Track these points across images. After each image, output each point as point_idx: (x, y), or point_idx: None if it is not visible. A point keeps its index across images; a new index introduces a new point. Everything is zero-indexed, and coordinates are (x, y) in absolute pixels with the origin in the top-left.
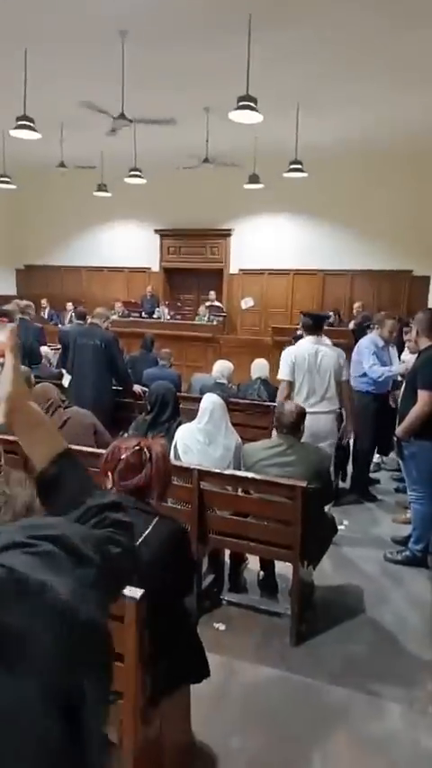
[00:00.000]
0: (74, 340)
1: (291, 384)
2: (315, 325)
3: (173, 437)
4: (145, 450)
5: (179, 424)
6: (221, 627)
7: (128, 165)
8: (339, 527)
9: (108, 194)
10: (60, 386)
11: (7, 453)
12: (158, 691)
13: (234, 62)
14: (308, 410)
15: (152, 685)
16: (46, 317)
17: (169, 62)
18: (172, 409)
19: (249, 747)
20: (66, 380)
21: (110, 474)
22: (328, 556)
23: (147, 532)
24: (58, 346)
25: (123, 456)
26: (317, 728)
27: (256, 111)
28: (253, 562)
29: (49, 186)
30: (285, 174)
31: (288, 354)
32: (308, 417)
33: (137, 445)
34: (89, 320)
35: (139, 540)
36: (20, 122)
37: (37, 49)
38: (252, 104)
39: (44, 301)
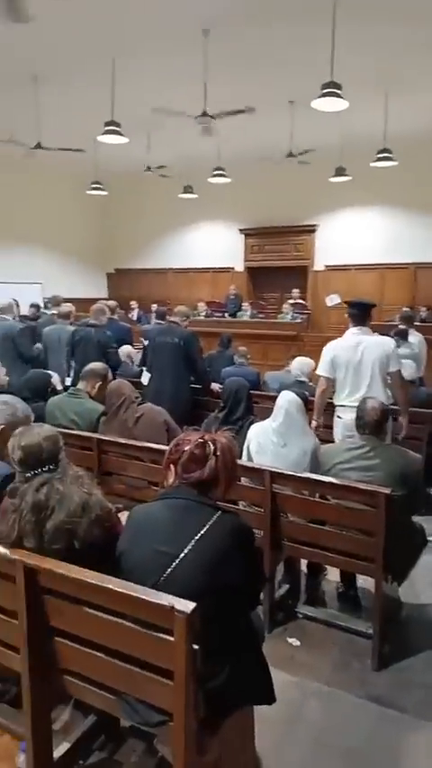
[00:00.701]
0: (153, 338)
1: (329, 381)
2: (361, 314)
3: (245, 436)
4: (209, 443)
5: (251, 422)
6: (295, 642)
7: (212, 166)
8: (430, 538)
9: (193, 196)
10: (139, 384)
11: (82, 450)
12: (215, 714)
13: (318, 51)
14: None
15: (207, 707)
16: (135, 318)
17: (252, 57)
18: (245, 407)
19: None
20: (145, 378)
21: (173, 467)
22: (417, 570)
23: (209, 525)
24: (142, 345)
25: (187, 448)
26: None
27: (341, 97)
28: (333, 573)
29: (137, 191)
30: (373, 164)
31: (328, 349)
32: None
33: (201, 438)
34: (169, 319)
35: (202, 532)
36: (108, 127)
37: (123, 58)
38: (337, 91)
39: (134, 303)
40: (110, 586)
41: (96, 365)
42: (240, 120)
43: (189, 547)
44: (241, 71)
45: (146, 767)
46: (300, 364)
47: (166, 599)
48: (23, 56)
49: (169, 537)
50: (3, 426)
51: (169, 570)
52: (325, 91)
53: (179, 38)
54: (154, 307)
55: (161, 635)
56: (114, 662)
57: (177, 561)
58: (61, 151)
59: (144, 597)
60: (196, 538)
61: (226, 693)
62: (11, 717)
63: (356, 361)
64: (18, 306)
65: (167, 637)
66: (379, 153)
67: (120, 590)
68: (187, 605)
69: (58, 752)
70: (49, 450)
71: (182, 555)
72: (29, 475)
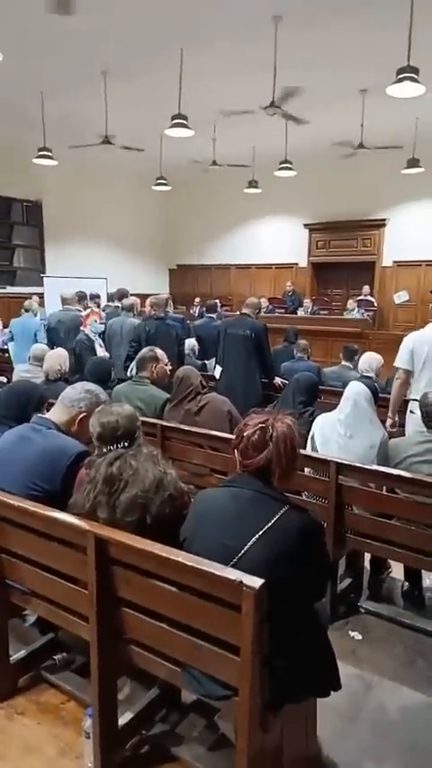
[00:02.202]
0: (224, 330)
1: (408, 373)
2: None
3: (308, 427)
4: (269, 427)
5: (312, 414)
6: (357, 636)
7: (278, 159)
8: None
9: (258, 190)
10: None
11: (146, 435)
12: (279, 695)
13: (393, 37)
14: None
15: (272, 687)
16: (196, 314)
17: (324, 44)
18: (307, 399)
19: None
20: (217, 372)
21: (236, 452)
22: None
23: (275, 520)
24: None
25: (246, 434)
26: None
27: (418, 82)
28: (397, 570)
29: (201, 186)
30: None
31: (408, 340)
32: None
33: (262, 422)
34: (241, 311)
35: (266, 528)
36: (175, 121)
37: (192, 49)
38: (414, 75)
39: (197, 300)
40: (180, 560)
41: (143, 351)
42: (309, 111)
43: (252, 542)
44: (312, 59)
45: (206, 741)
46: (369, 359)
47: (234, 574)
48: (93, 50)
49: (232, 530)
50: (84, 414)
51: (231, 563)
52: (401, 76)
53: (249, 26)
54: (196, 300)
55: (229, 610)
56: (181, 634)
57: (239, 555)
58: (129, 145)
59: (213, 571)
60: (259, 534)
61: (292, 677)
62: (77, 685)
63: (425, 356)
64: (86, 299)
65: (235, 612)
66: None
67: (190, 563)
68: (255, 581)
69: (122, 720)
70: (125, 428)
71: (244, 549)
72: (105, 450)
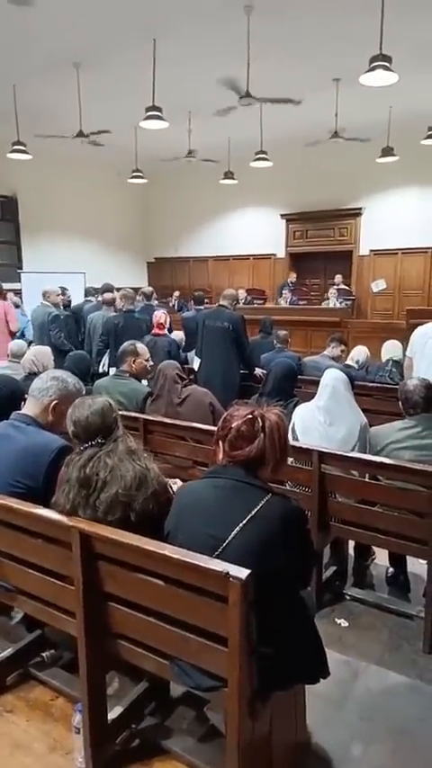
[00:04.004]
0: (202, 322)
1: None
2: None
3: (290, 416)
4: (258, 418)
5: (296, 404)
6: (344, 623)
7: (254, 150)
8: None
9: (234, 181)
10: (190, 370)
11: (128, 429)
12: (268, 683)
13: (365, 26)
14: None
15: (260, 676)
16: (175, 306)
17: (296, 33)
18: (289, 389)
19: (371, 759)
20: (195, 363)
21: (221, 443)
22: None
23: (258, 508)
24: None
25: (235, 424)
26: None
27: (391, 70)
28: (381, 558)
29: (177, 179)
30: (424, 142)
31: (414, 332)
32: None
33: (250, 414)
34: (218, 303)
35: (249, 516)
36: (149, 113)
37: (164, 40)
38: (386, 64)
39: (176, 293)
40: (165, 553)
41: (124, 345)
42: (286, 97)
43: (236, 531)
44: (285, 49)
45: (196, 734)
46: (357, 352)
47: (220, 565)
48: (65, 42)
49: (216, 520)
50: (56, 401)
51: (216, 554)
52: (374, 64)
53: (221, 15)
54: (176, 294)
55: (215, 602)
56: (168, 627)
57: (224, 545)
58: (101, 138)
59: (199, 563)
60: (243, 522)
61: (279, 666)
62: (66, 681)
63: (424, 344)
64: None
65: (222, 603)
66: (430, 130)
67: (175, 556)
68: (242, 572)
69: (111, 714)
70: (97, 424)
71: (229, 538)
72: (81, 448)
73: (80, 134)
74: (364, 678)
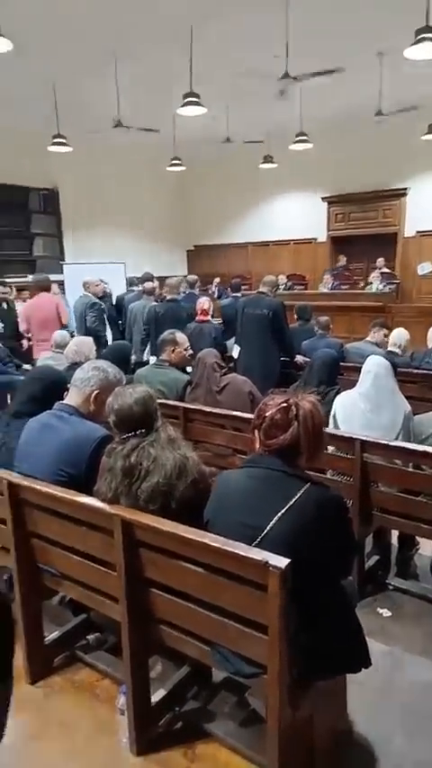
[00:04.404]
0: (242, 309)
1: None
2: None
3: (329, 404)
4: (293, 407)
5: (337, 392)
6: (386, 613)
7: (293, 132)
8: None
9: (274, 165)
10: (229, 358)
11: (168, 418)
12: (308, 671)
13: None
14: None
15: (300, 664)
16: (215, 294)
17: (336, 7)
18: (328, 377)
19: (415, 752)
20: (235, 352)
21: (256, 432)
22: None
23: (296, 498)
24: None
25: (269, 413)
26: None
27: None
28: (425, 546)
29: (216, 165)
30: None
31: None
32: None
33: (284, 402)
34: (258, 290)
35: (287, 506)
36: (187, 99)
37: (201, 24)
38: None
39: (216, 280)
40: (205, 541)
41: (164, 335)
42: (324, 79)
43: (273, 521)
44: (326, 23)
45: (238, 718)
46: (397, 335)
47: (260, 554)
48: (101, 32)
49: (253, 510)
50: (97, 391)
51: (254, 544)
52: (420, 37)
53: None
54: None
55: (255, 590)
56: (208, 614)
57: (262, 535)
58: (140, 130)
59: (239, 552)
60: (281, 512)
61: (321, 654)
62: (111, 664)
63: None
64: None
65: (261, 592)
66: None
67: (215, 545)
68: (281, 561)
69: (155, 697)
70: (140, 414)
71: (267, 529)
72: (123, 437)
73: (119, 124)
74: (408, 669)
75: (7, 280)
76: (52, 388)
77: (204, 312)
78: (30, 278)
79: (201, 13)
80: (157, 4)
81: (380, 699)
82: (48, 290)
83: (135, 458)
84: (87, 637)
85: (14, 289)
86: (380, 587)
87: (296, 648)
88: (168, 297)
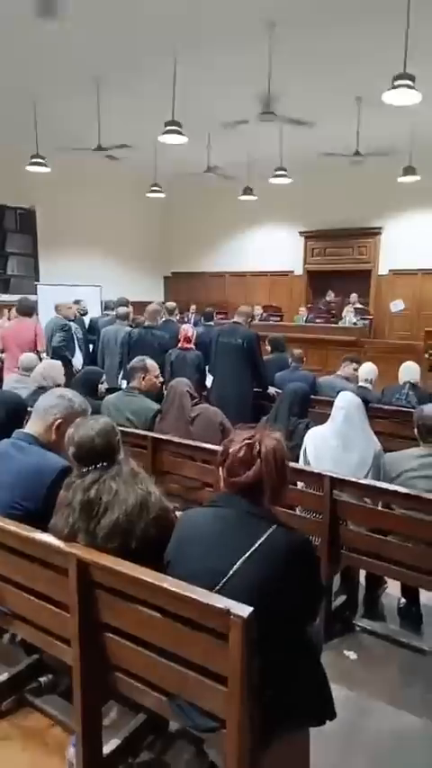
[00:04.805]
0: (216, 339)
1: None
2: None
3: (299, 438)
4: (256, 443)
5: (307, 425)
6: (353, 656)
7: (273, 166)
8: None
9: (254, 198)
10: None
11: (137, 447)
12: (270, 726)
13: (389, 45)
14: None
15: (262, 718)
16: (191, 321)
17: (319, 51)
18: (299, 410)
19: None
20: (208, 381)
21: (221, 470)
22: None
23: (261, 541)
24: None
25: (232, 450)
26: None
27: (414, 89)
28: (393, 587)
29: (196, 194)
30: None
31: None
32: None
33: (249, 438)
34: (232, 320)
35: (252, 550)
36: (168, 127)
37: (185, 56)
38: (410, 83)
39: (193, 307)
40: (164, 585)
41: (134, 361)
42: (304, 117)
43: (237, 566)
44: (307, 66)
45: None
46: (366, 370)
47: (221, 602)
48: (85, 58)
49: (216, 553)
50: (60, 420)
51: (216, 589)
52: (397, 83)
53: (243, 32)
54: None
55: (216, 639)
56: (166, 663)
57: (224, 580)
58: (120, 153)
59: (199, 598)
60: (245, 556)
61: (283, 707)
62: (63, 710)
63: None
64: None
65: (222, 641)
66: None
67: (175, 589)
68: (244, 609)
69: (107, 747)
70: (102, 446)
71: (230, 573)
72: (84, 470)
73: (99, 148)
74: (374, 718)
75: None
76: (13, 414)
77: (188, 339)
78: (1, 297)
79: (185, 45)
80: (142, 32)
81: (345, 750)
82: (30, 315)
83: (94, 492)
84: (39, 679)
85: None
86: (347, 628)
87: (257, 701)
88: (147, 323)
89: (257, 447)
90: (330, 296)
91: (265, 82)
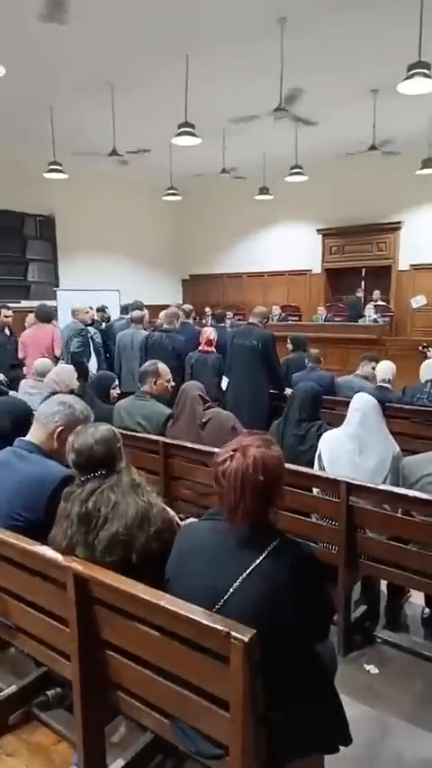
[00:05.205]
0: (231, 340)
1: None
2: None
3: (312, 444)
4: (227, 460)
5: (319, 428)
6: (374, 670)
7: (289, 164)
8: None
9: (270, 197)
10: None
11: (149, 453)
12: (278, 754)
13: (403, 35)
14: None
15: (269, 746)
16: (208, 324)
17: (332, 44)
18: (310, 411)
19: None
20: (224, 383)
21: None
22: None
23: (262, 557)
24: None
25: (215, 461)
26: None
27: (430, 77)
28: (417, 595)
29: (212, 195)
30: None
31: None
32: None
33: (231, 450)
34: (248, 321)
35: (252, 566)
36: (181, 129)
37: (197, 55)
38: (426, 71)
39: (207, 309)
40: (162, 603)
41: (145, 365)
42: (319, 114)
43: (237, 583)
44: (320, 60)
45: None
46: (384, 369)
47: (222, 623)
48: (97, 61)
49: (216, 569)
50: (62, 427)
51: (216, 608)
52: (412, 72)
53: (254, 29)
54: (228, 314)
55: (216, 661)
56: (167, 684)
57: (225, 598)
58: (135, 157)
59: (197, 619)
60: (245, 573)
61: (292, 733)
62: (68, 724)
63: None
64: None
65: (223, 664)
66: None
67: (173, 609)
68: (246, 632)
69: None
70: (101, 454)
71: (230, 591)
72: (83, 479)
73: (114, 152)
74: (395, 738)
75: (9, 305)
76: (18, 422)
77: (209, 342)
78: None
79: (197, 44)
80: (153, 34)
81: None
82: (48, 321)
83: (92, 504)
84: (47, 692)
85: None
86: (367, 640)
87: (264, 727)
88: (164, 326)
89: (225, 465)
90: (360, 293)
91: (277, 79)
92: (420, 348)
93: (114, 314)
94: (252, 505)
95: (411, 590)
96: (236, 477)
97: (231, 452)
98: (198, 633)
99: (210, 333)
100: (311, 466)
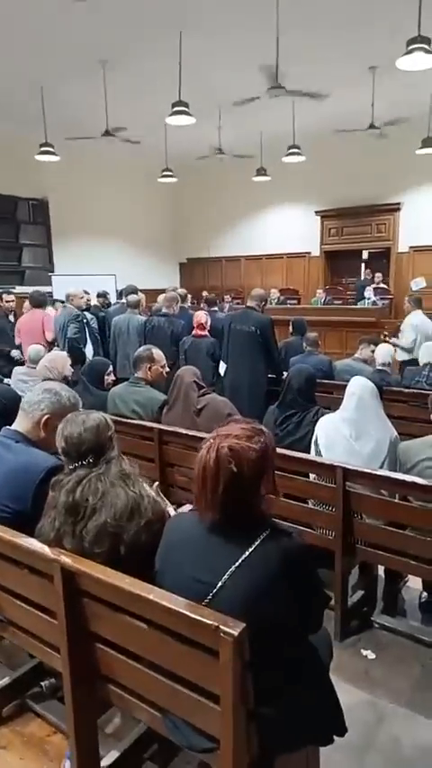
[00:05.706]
0: (228, 325)
1: None
2: None
3: (308, 429)
4: (209, 444)
5: (316, 413)
6: (371, 655)
7: (286, 144)
8: None
9: (267, 178)
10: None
11: (143, 440)
12: (271, 747)
13: (402, 11)
14: None
15: (261, 739)
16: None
17: (329, 20)
18: (305, 395)
19: None
20: (221, 369)
21: None
22: None
23: (252, 549)
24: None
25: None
26: None
27: (430, 53)
28: (414, 580)
29: (208, 177)
30: None
31: None
32: None
33: (212, 438)
34: (246, 304)
35: (242, 559)
36: (175, 108)
37: (191, 32)
38: (425, 46)
39: (205, 293)
40: (150, 596)
41: (139, 350)
42: (316, 90)
43: (226, 576)
44: (317, 37)
45: None
46: (382, 352)
47: (211, 617)
48: (90, 40)
49: (205, 561)
50: (48, 416)
51: (206, 602)
52: (412, 47)
53: (250, 4)
54: (227, 298)
55: (206, 655)
56: (157, 677)
57: (214, 591)
58: (129, 136)
59: (186, 612)
60: (236, 565)
61: (285, 725)
62: (62, 716)
63: None
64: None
65: (213, 657)
66: None
67: (161, 602)
68: (235, 626)
69: (106, 760)
70: (90, 442)
71: (219, 584)
72: (71, 467)
73: (107, 133)
74: (391, 723)
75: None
76: (5, 411)
77: (201, 326)
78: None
79: (191, 20)
80: (146, 9)
81: (360, 760)
82: (41, 306)
83: (80, 494)
84: (41, 683)
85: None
86: (364, 625)
87: (257, 720)
88: (163, 311)
89: (213, 453)
90: (368, 273)
91: (273, 55)
92: (382, 336)
93: (113, 299)
94: (220, 497)
95: (408, 574)
96: (199, 467)
97: (210, 441)
98: (187, 627)
99: (201, 316)
100: (308, 451)
